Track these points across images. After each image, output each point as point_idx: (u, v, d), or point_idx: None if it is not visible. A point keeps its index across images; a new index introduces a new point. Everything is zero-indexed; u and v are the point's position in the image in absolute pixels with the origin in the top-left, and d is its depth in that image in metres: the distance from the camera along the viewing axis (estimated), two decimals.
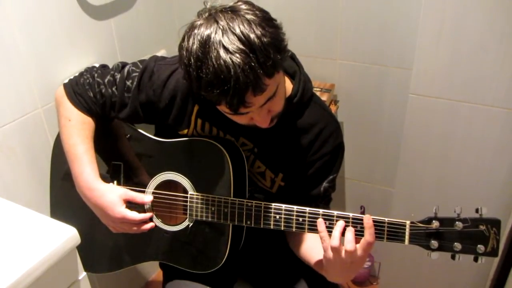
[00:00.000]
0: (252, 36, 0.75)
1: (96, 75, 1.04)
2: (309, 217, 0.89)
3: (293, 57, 1.00)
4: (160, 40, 1.56)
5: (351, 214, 0.86)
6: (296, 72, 0.98)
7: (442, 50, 1.21)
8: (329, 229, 0.86)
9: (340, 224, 0.84)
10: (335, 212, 0.87)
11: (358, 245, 0.82)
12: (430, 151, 1.36)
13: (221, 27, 0.76)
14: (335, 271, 0.86)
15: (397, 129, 1.49)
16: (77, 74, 1.07)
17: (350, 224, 0.85)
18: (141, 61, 1.04)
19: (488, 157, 1.29)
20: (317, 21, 1.50)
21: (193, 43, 0.77)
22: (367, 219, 0.83)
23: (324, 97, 1.47)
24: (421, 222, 0.83)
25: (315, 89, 1.50)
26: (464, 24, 1.15)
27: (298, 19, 1.52)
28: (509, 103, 1.19)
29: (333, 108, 1.54)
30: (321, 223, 0.85)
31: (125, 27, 1.42)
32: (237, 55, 0.74)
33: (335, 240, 0.82)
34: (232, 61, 0.74)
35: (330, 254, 0.83)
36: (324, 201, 1.02)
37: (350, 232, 0.83)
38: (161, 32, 1.56)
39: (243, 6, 0.79)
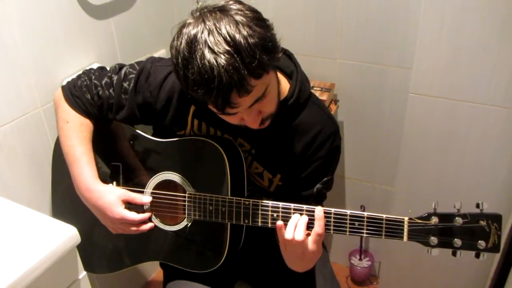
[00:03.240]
0: (237, 36, 0.75)
1: (93, 77, 1.04)
2: (306, 215, 0.89)
3: (290, 57, 1.00)
4: (160, 39, 1.56)
5: (348, 212, 0.86)
6: (293, 72, 0.98)
7: (442, 49, 1.21)
8: (328, 227, 0.88)
9: (295, 217, 0.88)
10: (333, 210, 0.87)
11: (309, 237, 0.86)
12: (430, 150, 1.36)
13: (207, 27, 0.76)
14: (289, 259, 0.92)
15: (397, 129, 1.49)
16: (74, 77, 1.07)
17: (349, 220, 0.87)
18: (138, 63, 1.04)
19: (488, 156, 1.29)
20: (317, 20, 1.50)
21: (181, 42, 0.78)
22: (319, 211, 0.86)
23: (324, 97, 1.47)
24: (419, 218, 0.83)
25: (315, 88, 1.51)
26: (464, 23, 1.15)
27: (298, 19, 1.52)
28: (509, 102, 1.19)
29: (333, 107, 1.54)
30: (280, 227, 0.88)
31: (125, 26, 1.42)
32: (222, 55, 0.74)
33: (288, 233, 0.86)
34: (216, 62, 0.74)
35: (283, 244, 0.88)
36: (315, 200, 1.02)
37: (302, 223, 0.87)
38: (161, 31, 1.56)
39: (233, 6, 0.79)
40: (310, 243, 0.86)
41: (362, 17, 1.42)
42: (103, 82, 1.02)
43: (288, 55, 1.00)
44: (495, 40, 1.14)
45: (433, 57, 1.22)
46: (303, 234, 0.85)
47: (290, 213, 0.90)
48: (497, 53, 1.15)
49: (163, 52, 1.57)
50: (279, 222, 0.87)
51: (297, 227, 0.86)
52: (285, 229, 0.87)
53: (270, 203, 0.91)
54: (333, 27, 1.48)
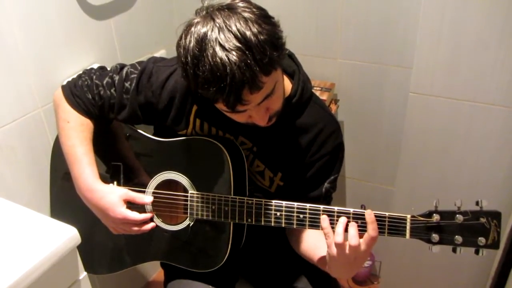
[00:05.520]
0: (248, 33, 0.75)
1: (94, 77, 1.04)
2: (309, 214, 0.89)
3: (292, 57, 1.00)
4: (160, 40, 1.56)
5: (351, 210, 0.86)
6: (295, 71, 0.98)
7: (442, 48, 1.21)
8: (331, 226, 0.86)
9: (343, 220, 0.85)
10: (336, 208, 0.87)
11: (361, 240, 0.82)
12: (430, 149, 1.36)
13: (217, 25, 0.76)
14: (338, 267, 0.86)
15: (398, 128, 1.49)
16: (75, 76, 1.07)
17: (352, 219, 0.85)
18: (139, 63, 1.04)
19: (489, 155, 1.29)
20: (317, 20, 1.50)
21: (190, 41, 0.78)
22: (369, 214, 0.83)
23: (324, 96, 1.47)
24: (421, 215, 0.84)
25: (315, 88, 1.51)
26: (464, 22, 1.15)
27: (298, 18, 1.52)
28: (509, 101, 1.19)
29: (333, 107, 1.54)
30: (325, 220, 0.85)
31: (125, 27, 1.42)
32: (233, 52, 0.74)
33: (338, 236, 0.82)
34: (228, 59, 0.74)
35: (334, 250, 0.83)
36: (325, 201, 1.02)
37: (353, 227, 0.83)
38: (161, 32, 1.56)
39: (240, 4, 0.80)
40: (363, 246, 0.82)
41: (362, 16, 1.42)
42: (105, 82, 1.02)
43: (289, 55, 1.00)
44: (495, 39, 1.14)
45: (433, 56, 1.22)
46: (357, 238, 0.81)
47: (293, 211, 0.90)
48: (498, 52, 1.15)
49: (163, 52, 1.57)
50: (325, 223, 0.84)
51: (350, 234, 0.82)
52: (331, 233, 0.83)
53: (274, 202, 0.91)
54: (333, 27, 1.48)
